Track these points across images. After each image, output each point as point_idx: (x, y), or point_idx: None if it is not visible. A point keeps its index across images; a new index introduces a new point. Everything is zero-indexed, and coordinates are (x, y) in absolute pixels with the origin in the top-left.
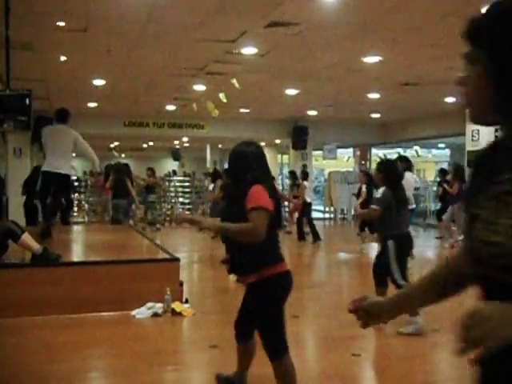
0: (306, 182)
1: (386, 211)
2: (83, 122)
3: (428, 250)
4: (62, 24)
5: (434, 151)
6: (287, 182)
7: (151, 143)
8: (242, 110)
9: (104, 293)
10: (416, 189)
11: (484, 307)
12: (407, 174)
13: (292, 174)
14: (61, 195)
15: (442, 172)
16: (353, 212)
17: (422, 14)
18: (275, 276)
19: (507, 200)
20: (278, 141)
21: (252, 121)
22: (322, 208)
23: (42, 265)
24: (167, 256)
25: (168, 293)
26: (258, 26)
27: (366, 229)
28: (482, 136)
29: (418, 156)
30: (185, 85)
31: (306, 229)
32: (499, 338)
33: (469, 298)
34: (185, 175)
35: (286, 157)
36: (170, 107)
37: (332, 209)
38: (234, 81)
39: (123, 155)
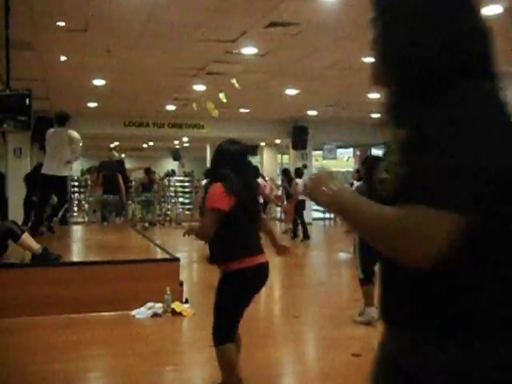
0: (298, 180)
1: None
2: (83, 122)
3: None
4: (62, 24)
5: None
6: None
7: (151, 143)
8: (241, 110)
9: (104, 293)
10: None
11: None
12: None
13: (285, 172)
14: (60, 198)
15: None
16: None
17: None
18: (235, 271)
19: (395, 147)
20: (278, 141)
21: (252, 121)
22: (322, 208)
23: (42, 265)
24: (167, 256)
25: (168, 293)
26: (258, 25)
27: None
28: None
29: None
30: (185, 85)
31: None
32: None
33: None
34: (185, 175)
35: (286, 157)
36: (170, 107)
37: None
38: (234, 81)
39: (123, 155)
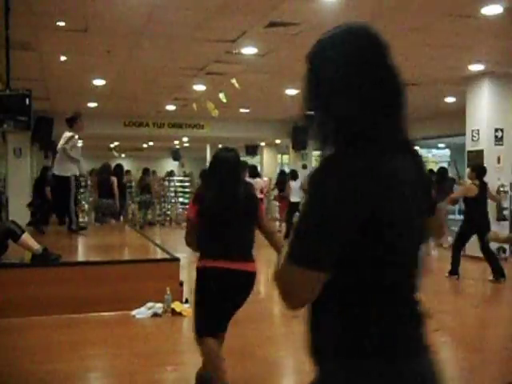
0: (292, 182)
1: None
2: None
3: None
4: (62, 24)
5: (434, 151)
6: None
7: (151, 143)
8: (241, 110)
9: (104, 293)
10: None
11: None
12: None
13: (281, 173)
14: (66, 198)
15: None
16: None
17: (422, 14)
18: (201, 268)
19: None
20: (277, 141)
21: (252, 121)
22: None
23: (42, 265)
24: (167, 256)
25: (168, 293)
26: (258, 25)
27: None
28: (482, 136)
29: None
30: (185, 85)
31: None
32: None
33: (469, 302)
34: (185, 175)
35: (285, 157)
36: (170, 107)
37: None
38: (234, 81)
39: (123, 155)
